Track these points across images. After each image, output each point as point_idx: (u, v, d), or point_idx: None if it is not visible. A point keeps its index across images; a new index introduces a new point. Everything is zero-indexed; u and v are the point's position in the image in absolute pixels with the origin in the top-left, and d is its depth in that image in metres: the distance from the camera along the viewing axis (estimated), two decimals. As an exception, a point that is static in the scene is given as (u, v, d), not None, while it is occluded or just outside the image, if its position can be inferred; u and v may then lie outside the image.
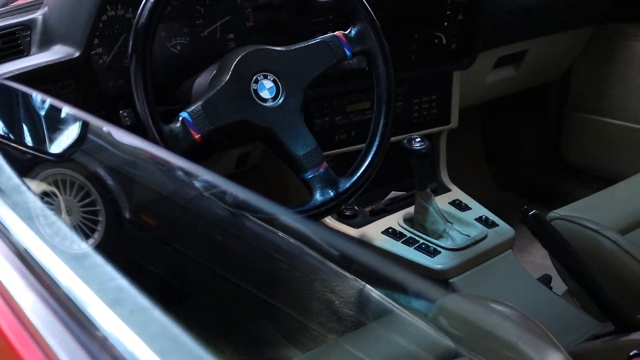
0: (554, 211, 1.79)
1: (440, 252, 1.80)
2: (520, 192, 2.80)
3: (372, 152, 1.54)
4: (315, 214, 1.45)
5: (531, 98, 2.67)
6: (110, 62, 1.56)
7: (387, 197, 2.00)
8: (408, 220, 1.91)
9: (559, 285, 1.85)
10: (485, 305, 1.39)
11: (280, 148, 1.47)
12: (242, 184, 2.06)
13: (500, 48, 2.23)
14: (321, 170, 1.47)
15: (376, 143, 1.54)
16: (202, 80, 1.51)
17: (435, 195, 2.01)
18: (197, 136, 1.36)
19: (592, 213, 1.78)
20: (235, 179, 2.07)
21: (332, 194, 1.47)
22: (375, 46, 1.55)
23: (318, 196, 1.46)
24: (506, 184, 2.84)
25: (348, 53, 1.53)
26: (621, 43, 2.43)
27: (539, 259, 2.22)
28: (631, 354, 1.36)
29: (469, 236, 1.85)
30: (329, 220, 1.90)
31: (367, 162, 1.53)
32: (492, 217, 1.96)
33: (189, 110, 1.36)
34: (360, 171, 1.52)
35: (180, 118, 1.35)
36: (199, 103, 1.37)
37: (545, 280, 1.97)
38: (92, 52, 1.52)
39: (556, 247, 1.56)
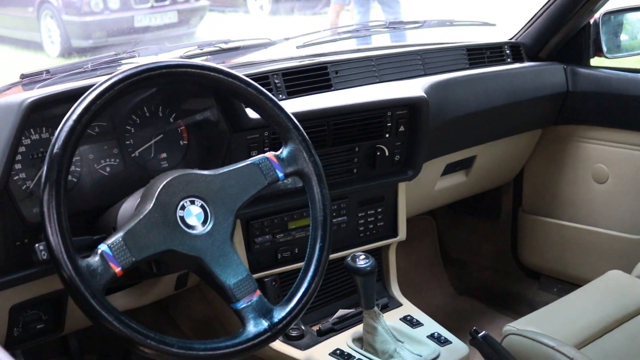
0: (510, 324, 1.74)
1: (392, 376, 1.72)
2: (480, 297, 2.76)
3: (309, 278, 1.46)
4: (247, 348, 1.36)
5: (485, 201, 2.64)
6: (34, 187, 1.49)
7: (335, 316, 1.92)
8: (357, 340, 1.83)
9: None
10: None
11: (209, 277, 1.39)
12: (184, 305, 2.01)
13: (447, 156, 2.20)
14: (254, 299, 1.39)
15: (312, 268, 1.47)
16: (128, 206, 1.44)
17: (386, 310, 1.96)
18: (117, 269, 1.28)
19: (549, 326, 1.74)
20: (176, 301, 2.00)
21: (266, 325, 1.38)
22: (308, 167, 1.48)
23: (251, 327, 1.37)
24: (465, 289, 2.79)
25: (280, 175, 1.47)
26: (570, 145, 2.43)
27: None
28: None
29: (421, 356, 1.78)
30: (274, 343, 1.81)
31: (303, 289, 1.45)
32: (444, 333, 1.89)
33: (109, 242, 1.29)
34: (296, 299, 1.43)
35: (99, 251, 1.28)
36: (120, 235, 1.30)
37: None
38: (13, 178, 1.46)
39: None
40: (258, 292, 1.41)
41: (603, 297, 1.90)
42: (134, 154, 1.64)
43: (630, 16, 2.40)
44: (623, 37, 2.39)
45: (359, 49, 2.17)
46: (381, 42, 2.31)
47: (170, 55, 1.84)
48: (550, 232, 2.54)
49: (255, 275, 1.72)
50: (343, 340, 1.84)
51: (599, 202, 2.41)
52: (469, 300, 2.75)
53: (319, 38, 2.17)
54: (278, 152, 1.48)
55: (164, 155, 1.68)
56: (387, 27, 2.28)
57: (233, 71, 1.48)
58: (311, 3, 8.71)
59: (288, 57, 2.03)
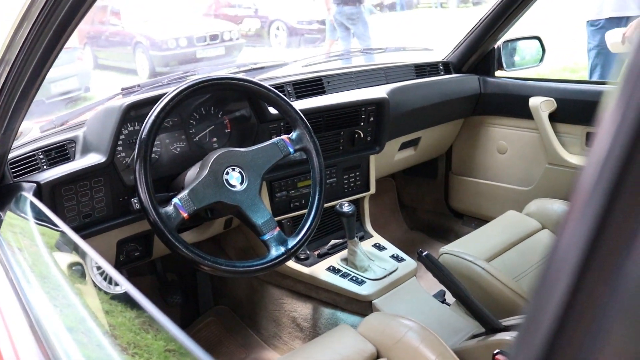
0: (444, 247, 1.77)
1: (366, 282, 1.74)
2: (424, 230, 2.77)
3: (311, 218, 1.48)
4: (271, 265, 1.38)
5: (427, 167, 2.64)
6: (130, 162, 1.50)
7: (329, 244, 1.94)
8: (344, 260, 1.85)
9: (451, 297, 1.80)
10: (396, 321, 1.34)
11: (245, 219, 1.41)
12: (230, 239, 2.03)
13: (402, 137, 2.20)
14: (275, 233, 1.41)
15: (313, 212, 1.49)
16: (191, 173, 1.45)
17: (362, 240, 1.97)
18: (185, 215, 1.30)
19: (469, 247, 1.77)
20: (224, 236, 2.01)
21: (283, 250, 1.41)
22: (309, 145, 1.50)
23: (273, 252, 1.40)
24: (414, 226, 2.80)
25: (291, 150, 1.48)
26: (482, 128, 2.43)
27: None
28: (495, 352, 1.30)
29: (385, 269, 1.80)
30: (289, 262, 1.83)
31: (307, 226, 1.47)
32: (401, 254, 1.91)
33: (179, 197, 1.31)
34: (303, 232, 1.46)
35: (173, 203, 1.30)
36: (186, 192, 1.32)
37: (441, 294, 1.91)
38: (117, 156, 1.46)
39: (441, 277, 1.53)
40: (277, 229, 1.42)
41: (503, 228, 1.92)
42: (195, 139, 1.65)
43: (520, 43, 2.39)
44: (516, 57, 2.38)
45: (343, 67, 2.16)
46: (358, 62, 2.29)
47: (218, 73, 1.83)
48: (470, 187, 2.55)
49: (277, 218, 1.74)
50: (335, 260, 1.85)
51: (502, 166, 2.42)
52: (417, 233, 2.76)
53: (317, 60, 2.16)
54: (290, 135, 1.49)
55: (214, 139, 1.68)
56: (362, 52, 2.28)
57: (260, 82, 1.48)
58: (312, 39, 8.78)
59: (296, 72, 2.02)
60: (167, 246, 1.28)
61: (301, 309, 1.88)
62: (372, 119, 1.94)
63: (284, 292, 1.92)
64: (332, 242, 1.94)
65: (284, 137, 1.49)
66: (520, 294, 1.57)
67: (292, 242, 1.43)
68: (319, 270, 1.81)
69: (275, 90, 1.49)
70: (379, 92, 1.96)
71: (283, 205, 1.85)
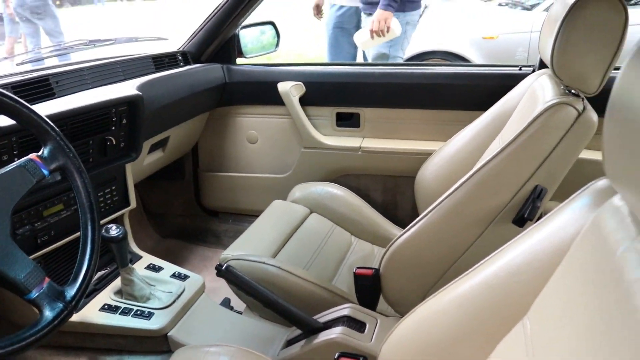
0: (224, 252, 1.62)
1: (154, 314, 1.48)
2: (179, 236, 2.54)
3: (88, 257, 1.13)
4: (50, 330, 1.02)
5: (172, 168, 2.41)
6: None
7: (95, 277, 1.58)
8: (117, 293, 1.54)
9: (237, 303, 1.68)
10: (206, 352, 1.12)
11: (0, 278, 1.01)
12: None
13: (151, 139, 1.94)
14: (44, 286, 1.04)
15: (89, 248, 1.14)
16: None
17: (132, 263, 1.68)
18: None
19: (250, 248, 1.65)
20: None
21: (61, 305, 1.05)
22: (68, 162, 1.14)
23: (48, 312, 1.03)
24: (167, 233, 2.55)
25: (46, 172, 1.10)
26: (229, 119, 2.32)
27: (215, 287, 1.98)
28: (336, 356, 1.21)
29: (171, 292, 1.56)
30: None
31: (85, 265, 1.12)
32: (182, 271, 1.69)
33: None
34: (82, 275, 1.11)
35: None
36: None
37: (226, 302, 1.76)
38: None
39: (247, 288, 1.39)
40: (47, 279, 1.06)
41: (276, 220, 1.86)
42: None
43: (256, 29, 2.33)
44: (253, 43, 2.31)
45: (70, 63, 1.78)
46: (81, 57, 1.91)
47: None
48: (223, 182, 2.41)
49: None
50: (106, 296, 1.54)
51: (254, 156, 2.34)
52: (172, 240, 2.52)
53: (33, 57, 1.74)
54: (39, 153, 1.12)
55: None
56: (87, 45, 1.90)
57: None
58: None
59: (9, 73, 1.57)
60: None
61: None
62: (124, 121, 1.64)
63: (45, 351, 1.51)
64: (98, 274, 1.60)
65: (32, 156, 1.11)
66: (318, 284, 1.52)
67: (70, 292, 1.08)
68: (90, 313, 1.47)
69: (12, 94, 1.10)
70: (128, 88, 1.67)
71: (28, 243, 1.43)
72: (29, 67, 1.68)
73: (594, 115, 1.15)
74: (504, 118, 1.55)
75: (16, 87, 1.45)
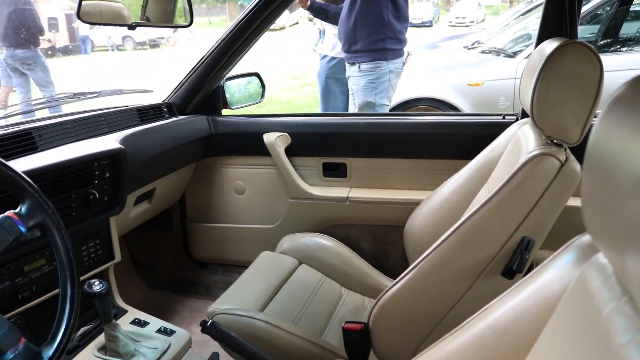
0: (212, 306, 1.58)
1: (138, 371, 1.42)
2: (168, 288, 2.50)
3: (67, 315, 1.09)
4: None
5: (161, 219, 2.39)
6: None
7: (78, 334, 1.54)
8: (101, 349, 1.50)
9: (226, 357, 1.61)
10: None
11: None
12: None
13: (137, 190, 1.92)
14: (20, 347, 1.00)
15: (68, 306, 1.10)
16: None
17: (117, 318, 1.64)
18: None
19: (237, 301, 1.62)
20: None
21: None
22: (47, 219, 1.11)
23: None
24: (155, 285, 2.50)
25: (23, 230, 1.08)
26: (216, 170, 2.32)
27: (204, 340, 1.93)
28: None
29: (157, 348, 1.52)
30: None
31: (64, 325, 1.08)
32: (168, 325, 1.65)
33: None
34: (60, 335, 1.07)
35: None
36: None
37: (214, 358, 1.72)
38: None
39: (234, 345, 1.36)
40: (23, 340, 1.02)
41: (264, 272, 1.83)
42: None
43: (241, 80, 2.35)
44: (238, 94, 2.33)
45: (53, 116, 1.78)
46: (66, 109, 1.93)
47: None
48: (211, 232, 2.39)
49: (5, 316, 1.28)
50: (90, 353, 1.49)
51: (242, 207, 2.33)
52: (161, 292, 2.48)
53: (15, 110, 1.74)
54: (17, 210, 1.10)
55: None
56: (71, 98, 1.90)
57: None
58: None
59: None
60: None
61: None
62: (107, 174, 1.63)
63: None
64: (82, 330, 1.56)
65: (10, 213, 1.09)
66: (308, 339, 1.48)
67: (48, 352, 1.04)
68: (73, 373, 1.42)
69: None
70: (110, 142, 1.66)
71: (8, 299, 1.39)
72: (14, 119, 1.68)
73: (576, 166, 1.15)
74: (489, 166, 1.56)
75: None
